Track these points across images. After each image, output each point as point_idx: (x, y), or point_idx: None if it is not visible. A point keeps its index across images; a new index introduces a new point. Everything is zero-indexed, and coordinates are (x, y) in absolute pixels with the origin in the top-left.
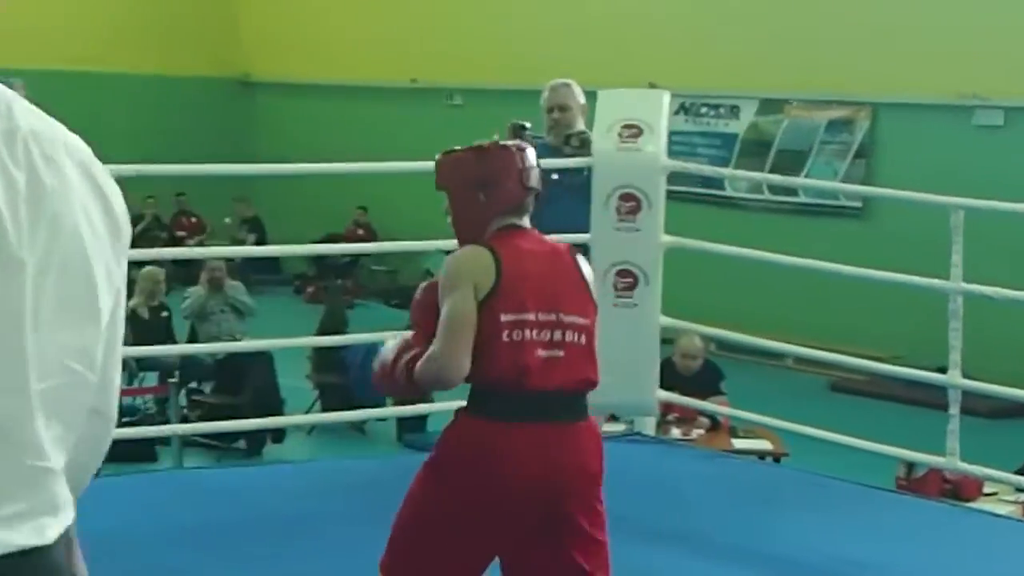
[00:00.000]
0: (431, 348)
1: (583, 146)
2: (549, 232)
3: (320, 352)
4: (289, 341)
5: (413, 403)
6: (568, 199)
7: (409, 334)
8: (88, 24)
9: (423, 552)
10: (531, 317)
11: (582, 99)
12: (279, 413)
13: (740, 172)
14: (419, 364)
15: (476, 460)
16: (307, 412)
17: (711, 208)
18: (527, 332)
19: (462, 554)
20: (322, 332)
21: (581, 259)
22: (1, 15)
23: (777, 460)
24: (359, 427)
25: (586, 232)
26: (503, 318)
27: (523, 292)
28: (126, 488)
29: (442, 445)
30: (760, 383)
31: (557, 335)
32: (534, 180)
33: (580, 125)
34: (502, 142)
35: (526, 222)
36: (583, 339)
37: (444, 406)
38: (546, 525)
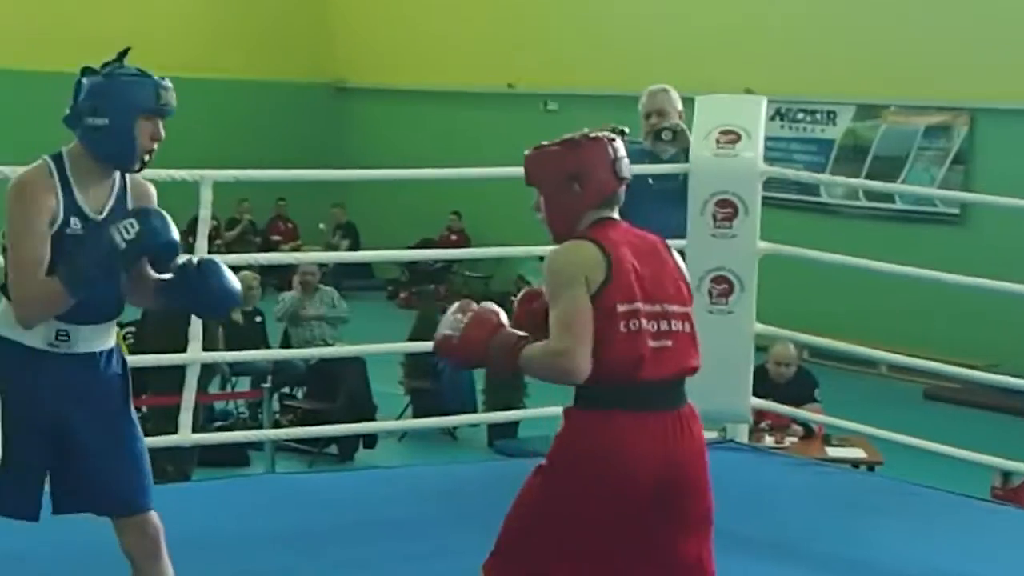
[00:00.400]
0: (553, 344)
1: (676, 138)
2: None
3: (412, 358)
4: (382, 347)
5: (505, 409)
6: (664, 204)
7: (472, 304)
8: (185, 31)
9: (540, 551)
10: (641, 307)
11: (679, 105)
12: (371, 419)
13: (837, 178)
14: (537, 355)
15: (599, 452)
16: (399, 418)
17: (807, 214)
18: (641, 322)
19: (584, 550)
20: (415, 338)
21: (673, 249)
22: (101, 23)
23: (871, 468)
24: (450, 432)
25: (682, 238)
26: (619, 308)
27: (631, 283)
28: (219, 492)
29: (559, 445)
30: (854, 391)
31: (664, 325)
32: (626, 170)
33: None
34: (591, 133)
35: (617, 214)
36: (687, 327)
37: (535, 412)
38: (666, 512)
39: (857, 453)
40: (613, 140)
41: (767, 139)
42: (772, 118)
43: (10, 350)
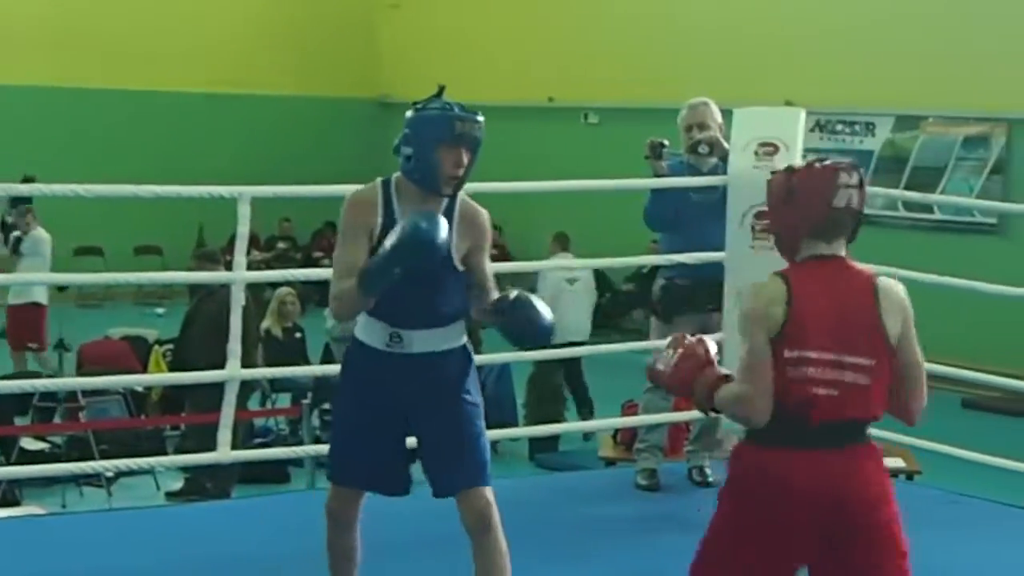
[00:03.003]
0: (738, 388)
1: (713, 151)
2: (690, 251)
3: None
4: None
5: (546, 423)
6: (708, 217)
7: (686, 338)
8: (233, 48)
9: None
10: (813, 355)
11: (719, 117)
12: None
13: (876, 189)
14: (726, 398)
15: (757, 484)
16: None
17: None
18: (808, 369)
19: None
20: None
21: (890, 291)
22: (147, 38)
23: (910, 478)
24: (492, 446)
25: (723, 250)
26: (786, 354)
27: (808, 329)
28: (259, 509)
29: (728, 474)
30: None
31: (834, 374)
32: (842, 200)
33: None
34: (821, 162)
35: (838, 249)
36: (864, 380)
37: (576, 426)
38: (831, 541)
39: (896, 463)
40: (840, 168)
41: (807, 151)
42: (811, 130)
43: (360, 350)
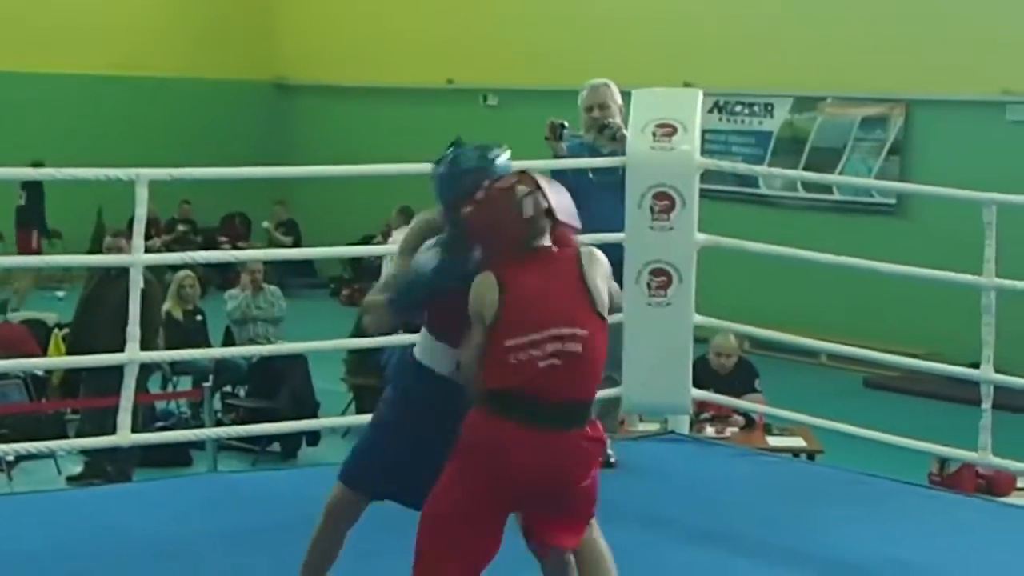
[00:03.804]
0: (464, 354)
1: (615, 140)
2: (588, 231)
3: (355, 355)
4: (324, 344)
5: None
6: (606, 197)
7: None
8: (126, 28)
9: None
10: (533, 337)
11: (619, 99)
12: (314, 416)
13: (775, 170)
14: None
15: (484, 449)
16: (342, 414)
17: (746, 206)
18: (530, 352)
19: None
20: (357, 335)
21: (593, 261)
22: (42, 20)
23: (812, 457)
24: None
25: (622, 231)
26: (507, 343)
27: (523, 315)
28: (161, 492)
29: (462, 440)
30: (795, 380)
31: (553, 347)
32: (529, 208)
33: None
34: (495, 183)
35: (544, 242)
36: (581, 349)
37: None
38: (540, 502)
39: (798, 442)
40: (515, 182)
41: (706, 132)
42: (710, 111)
43: (420, 371)
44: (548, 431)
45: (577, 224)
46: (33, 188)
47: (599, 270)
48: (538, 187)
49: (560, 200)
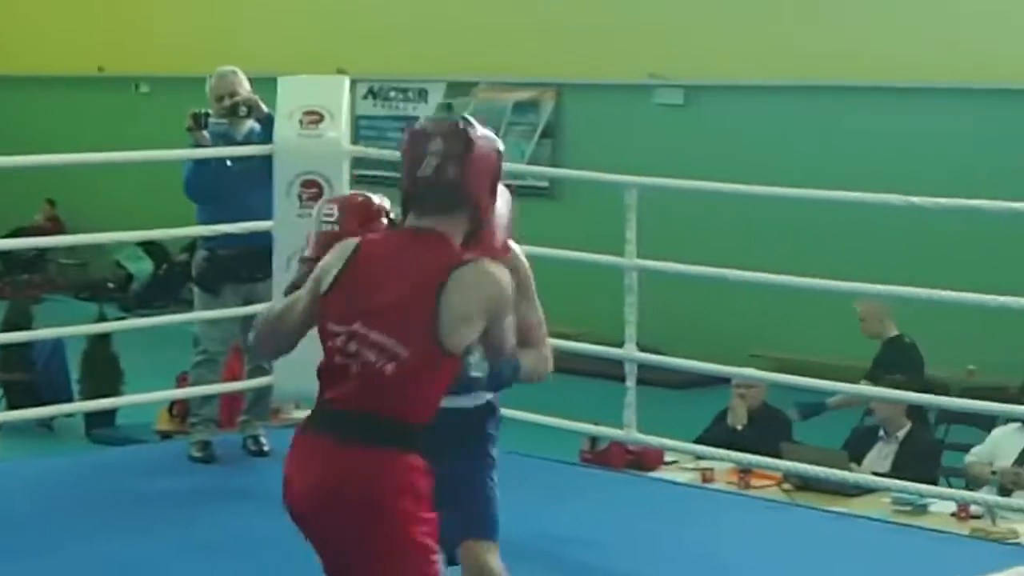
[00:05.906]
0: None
1: (251, 112)
2: (235, 220)
3: (5, 349)
4: None
5: (102, 397)
6: (249, 186)
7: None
8: None
9: None
10: (351, 327)
11: (248, 86)
12: None
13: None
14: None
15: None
16: None
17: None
18: (337, 341)
19: None
20: (6, 328)
21: (476, 286)
22: None
23: None
24: (47, 424)
25: (269, 219)
26: (329, 327)
27: (346, 299)
28: None
29: None
30: None
31: (353, 347)
32: (427, 169)
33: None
34: (427, 123)
35: (426, 221)
36: (386, 366)
37: (132, 399)
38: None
39: None
40: (426, 133)
41: (361, 118)
42: (364, 97)
43: None
44: (326, 440)
45: (503, 239)
46: None
47: (478, 301)
48: (464, 155)
49: (499, 205)
